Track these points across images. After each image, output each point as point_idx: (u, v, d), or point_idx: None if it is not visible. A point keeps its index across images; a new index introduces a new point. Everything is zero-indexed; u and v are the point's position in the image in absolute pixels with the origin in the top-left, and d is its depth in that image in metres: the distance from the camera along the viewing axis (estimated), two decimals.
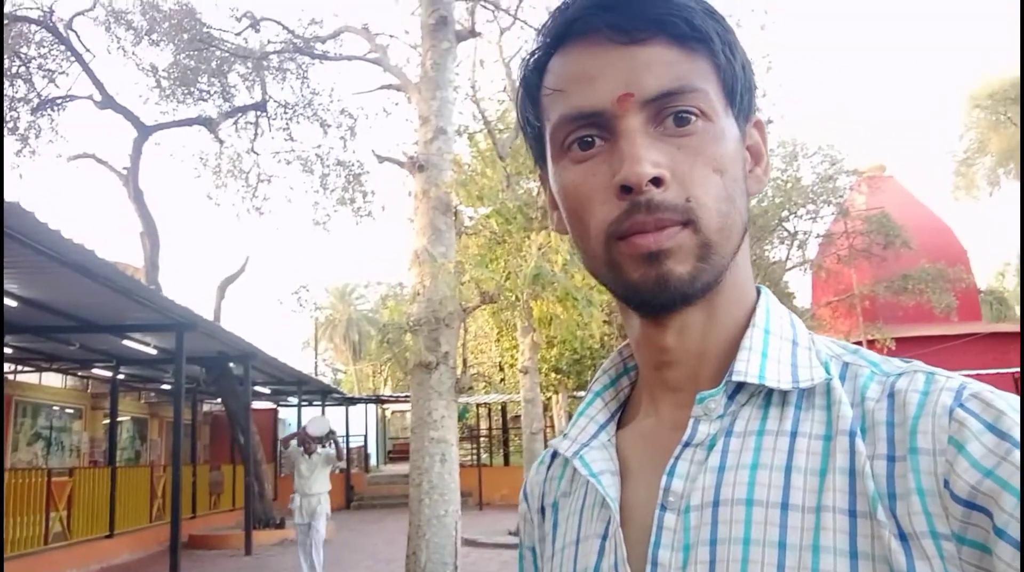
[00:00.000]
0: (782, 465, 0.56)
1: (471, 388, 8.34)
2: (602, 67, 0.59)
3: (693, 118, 0.59)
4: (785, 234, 18.32)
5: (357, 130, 13.68)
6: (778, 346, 0.61)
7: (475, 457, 23.44)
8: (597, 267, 0.62)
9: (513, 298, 9.94)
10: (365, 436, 26.81)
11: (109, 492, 12.62)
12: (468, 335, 16.77)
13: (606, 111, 0.59)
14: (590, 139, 0.60)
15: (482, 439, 24.91)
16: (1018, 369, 18.74)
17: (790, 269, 19.01)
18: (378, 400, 27.43)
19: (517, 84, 0.67)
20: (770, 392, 0.60)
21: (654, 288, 0.58)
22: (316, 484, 9.07)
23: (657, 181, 0.57)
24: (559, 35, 0.62)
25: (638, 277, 0.59)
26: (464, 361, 8.20)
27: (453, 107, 8.27)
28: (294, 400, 21.16)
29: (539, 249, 7.46)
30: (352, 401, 24.68)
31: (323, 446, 9.50)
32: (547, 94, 0.63)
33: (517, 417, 19.78)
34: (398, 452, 31.01)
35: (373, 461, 28.71)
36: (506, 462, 23.97)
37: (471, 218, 10.60)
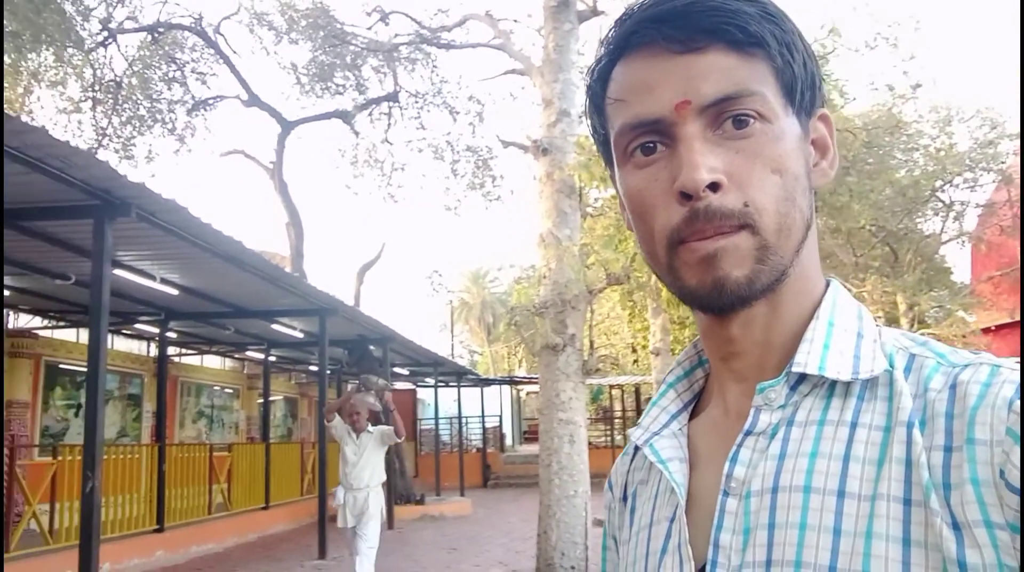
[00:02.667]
0: (840, 454, 0.57)
1: (598, 370, 8.30)
2: (660, 76, 0.61)
3: (751, 121, 0.60)
4: (940, 205, 17.12)
5: (485, 116, 13.89)
6: (841, 338, 0.62)
7: (609, 438, 23.42)
8: (659, 270, 0.65)
9: (642, 279, 9.81)
10: (500, 416, 27.36)
11: (264, 467, 13.54)
12: (598, 317, 16.77)
13: (665, 118, 0.61)
14: (651, 145, 0.62)
15: (616, 421, 24.85)
16: None
17: (946, 242, 17.77)
18: (512, 381, 27.90)
19: (584, 93, 0.71)
20: (833, 383, 0.61)
21: (711, 292, 0.61)
22: (367, 473, 6.96)
23: (715, 186, 0.59)
24: (619, 47, 0.65)
25: (696, 282, 0.61)
26: (591, 343, 8.21)
27: (576, 89, 8.24)
28: (431, 381, 21.87)
29: None
30: (487, 382, 25.22)
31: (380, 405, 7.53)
32: (610, 103, 0.66)
33: (650, 399, 19.60)
34: (532, 432, 31.45)
35: (509, 441, 29.27)
36: None
37: (597, 199, 10.56)
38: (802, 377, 0.61)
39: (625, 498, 0.75)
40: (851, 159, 11.10)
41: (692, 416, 0.71)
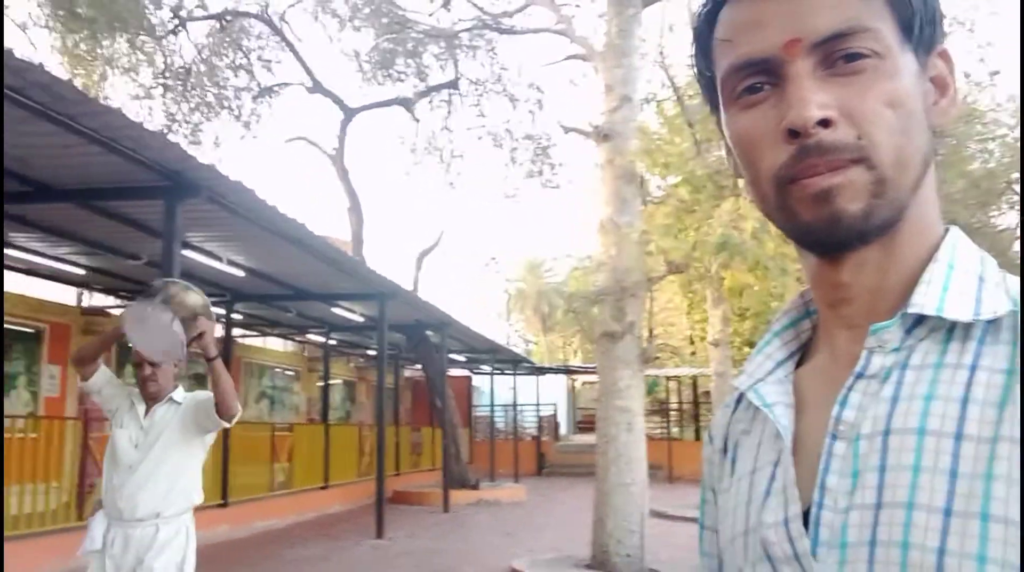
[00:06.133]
0: (958, 397, 0.55)
1: (657, 358, 8.21)
2: (769, 14, 0.60)
3: (865, 57, 0.58)
4: (1015, 198, 16.47)
5: (545, 103, 13.84)
6: (962, 280, 0.60)
7: (665, 431, 23.25)
8: (770, 211, 0.63)
9: (702, 269, 9.66)
10: (555, 405, 27.40)
11: (323, 448, 13.81)
12: (657, 306, 16.65)
13: (774, 58, 0.59)
14: (759, 85, 0.61)
15: (672, 413, 24.63)
16: None
17: (1022, 237, 17.11)
18: (567, 370, 27.87)
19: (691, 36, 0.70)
20: (952, 327, 0.58)
21: (827, 227, 0.59)
22: (158, 486, 3.48)
23: (825, 122, 0.57)
24: None
25: (810, 218, 0.59)
26: (650, 331, 8.13)
27: (638, 74, 8.14)
28: (487, 368, 21.98)
29: (728, 217, 7.21)
30: (542, 371, 25.25)
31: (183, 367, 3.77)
32: (717, 44, 0.65)
33: (708, 392, 19.35)
34: (586, 422, 31.42)
35: (563, 430, 29.30)
36: (696, 437, 23.55)
37: (660, 187, 10.44)
38: (919, 320, 0.59)
39: (725, 449, 0.74)
40: None
41: (798, 366, 0.69)
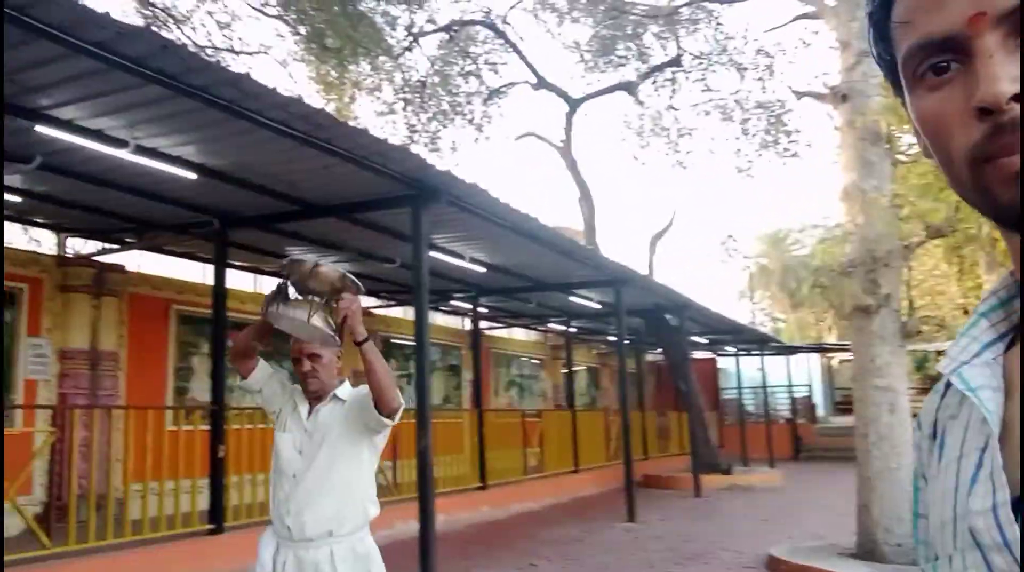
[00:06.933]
0: None
1: (920, 332, 7.50)
2: None
3: None
4: None
5: (775, 69, 13.13)
6: None
7: None
8: (965, 193, 0.60)
9: (971, 231, 8.73)
10: (809, 386, 25.97)
11: (571, 433, 14.20)
12: (919, 275, 15.22)
13: (958, 34, 0.56)
14: (944, 64, 0.58)
15: None
16: None
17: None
18: (819, 349, 26.28)
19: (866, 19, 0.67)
20: None
21: None
22: (327, 500, 2.98)
23: (1020, 97, 0.53)
24: None
25: (1010, 199, 0.56)
26: (911, 303, 7.45)
27: None
28: (732, 349, 21.32)
29: None
30: (792, 350, 24.03)
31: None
32: (895, 27, 0.62)
33: None
34: (846, 403, 29.44)
35: (820, 412, 27.73)
36: None
37: (912, 145, 9.52)
38: None
39: (934, 435, 0.71)
40: None
41: (1010, 348, 0.65)
